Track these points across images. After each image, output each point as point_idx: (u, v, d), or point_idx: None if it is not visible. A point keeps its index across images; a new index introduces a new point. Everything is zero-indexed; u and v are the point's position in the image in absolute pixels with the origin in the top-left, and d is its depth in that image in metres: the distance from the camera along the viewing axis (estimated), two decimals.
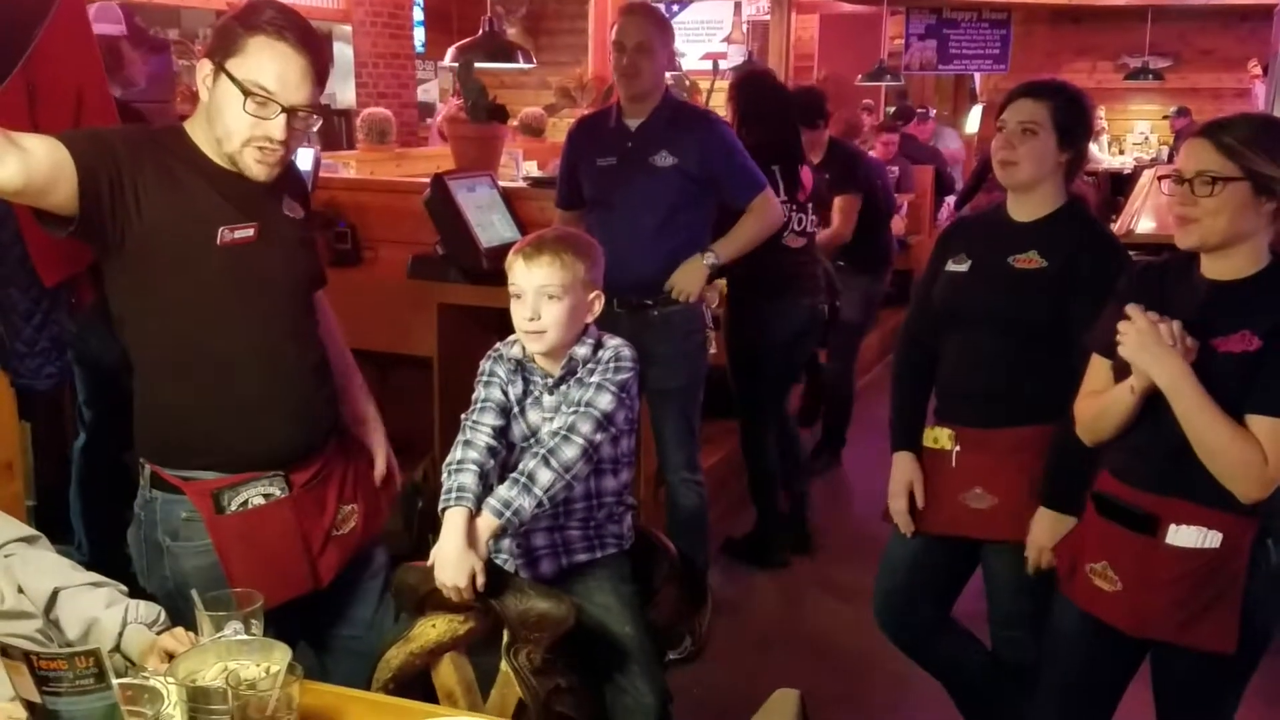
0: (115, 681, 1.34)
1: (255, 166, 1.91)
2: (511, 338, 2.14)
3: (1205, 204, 1.88)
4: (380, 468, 2.26)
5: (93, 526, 3.41)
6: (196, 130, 1.95)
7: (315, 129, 2.01)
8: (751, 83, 4.07)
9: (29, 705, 1.34)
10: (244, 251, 1.94)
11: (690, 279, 3.22)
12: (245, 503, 1.99)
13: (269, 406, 2.00)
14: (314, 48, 1.91)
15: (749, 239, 3.31)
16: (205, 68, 1.90)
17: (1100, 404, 2.04)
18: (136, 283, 1.92)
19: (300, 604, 2.05)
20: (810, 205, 3.94)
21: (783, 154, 3.83)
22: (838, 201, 4.60)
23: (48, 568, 1.81)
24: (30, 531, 1.87)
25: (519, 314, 2.06)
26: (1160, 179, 2.01)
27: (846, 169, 4.63)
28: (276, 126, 1.87)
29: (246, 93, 1.85)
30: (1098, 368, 2.09)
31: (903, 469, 2.49)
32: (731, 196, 3.28)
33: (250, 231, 1.94)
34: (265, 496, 2.00)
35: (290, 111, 1.88)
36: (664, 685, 2.13)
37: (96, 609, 1.75)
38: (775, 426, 4.00)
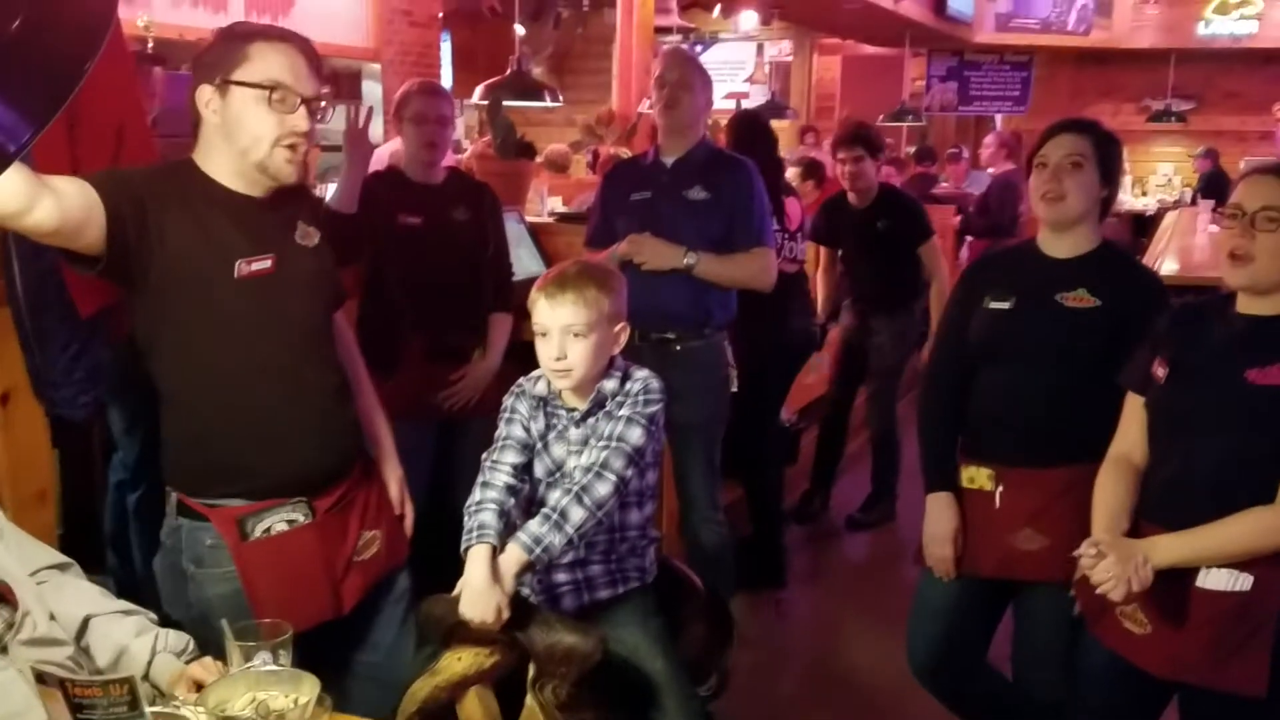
0: (148, 710, 1.35)
1: (286, 168, 1.95)
2: (536, 373, 2.14)
3: (1264, 240, 1.86)
4: (394, 492, 2.27)
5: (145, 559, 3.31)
6: (207, 160, 1.97)
7: (329, 120, 2.05)
8: (744, 121, 4.46)
9: None
10: (262, 283, 1.97)
11: (657, 253, 3.12)
12: (269, 529, 2.00)
13: (291, 432, 2.02)
14: (307, 45, 1.98)
15: (735, 275, 3.22)
16: (206, 92, 1.93)
17: (1104, 508, 2.06)
18: (159, 315, 1.95)
19: (321, 629, 2.05)
20: (799, 235, 4.33)
21: (769, 187, 3.91)
22: (922, 252, 4.57)
23: (79, 595, 1.82)
24: (63, 559, 1.88)
25: (545, 353, 2.06)
26: (1218, 211, 2.00)
27: (906, 217, 4.61)
28: (300, 118, 1.93)
29: (269, 88, 1.89)
30: (1131, 412, 2.08)
31: (945, 512, 2.40)
32: (737, 235, 3.22)
33: (268, 263, 1.97)
34: (289, 522, 2.02)
35: (308, 102, 1.93)
36: (704, 717, 2.11)
37: (126, 637, 1.76)
38: (769, 439, 4.28)
